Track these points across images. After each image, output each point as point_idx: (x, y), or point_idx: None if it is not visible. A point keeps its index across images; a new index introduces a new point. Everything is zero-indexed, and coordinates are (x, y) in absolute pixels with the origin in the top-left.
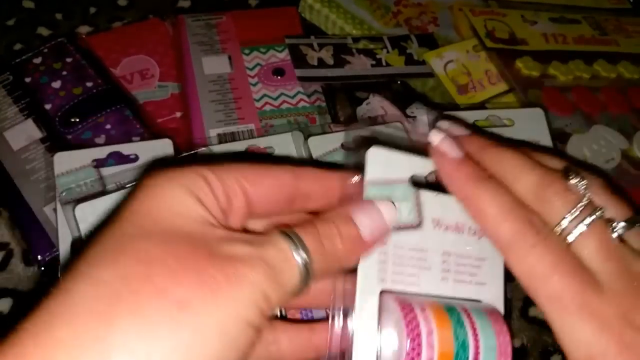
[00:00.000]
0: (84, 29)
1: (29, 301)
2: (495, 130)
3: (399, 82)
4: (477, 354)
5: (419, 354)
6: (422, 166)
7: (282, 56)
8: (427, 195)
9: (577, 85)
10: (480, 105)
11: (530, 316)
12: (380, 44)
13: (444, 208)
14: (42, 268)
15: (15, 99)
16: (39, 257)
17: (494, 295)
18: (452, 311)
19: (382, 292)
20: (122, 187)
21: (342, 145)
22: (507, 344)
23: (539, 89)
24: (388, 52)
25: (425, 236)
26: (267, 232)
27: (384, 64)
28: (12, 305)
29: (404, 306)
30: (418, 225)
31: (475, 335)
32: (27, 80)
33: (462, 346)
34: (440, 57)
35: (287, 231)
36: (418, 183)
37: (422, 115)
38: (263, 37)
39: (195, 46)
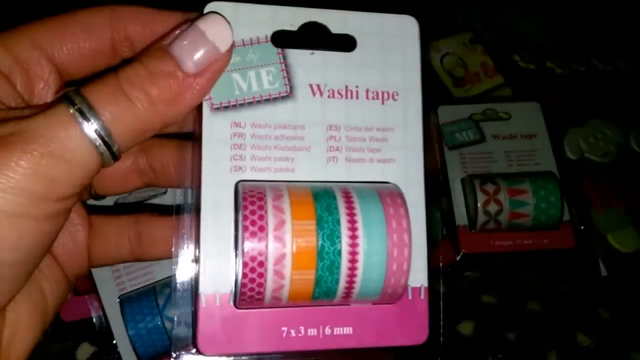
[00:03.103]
0: None
1: None
2: (491, 123)
3: None
4: (354, 245)
5: (262, 250)
6: (287, 18)
7: None
8: (298, 55)
9: (573, 78)
10: (477, 99)
11: (528, 309)
12: None
13: (327, 69)
14: None
15: None
16: None
17: (407, 173)
18: (321, 196)
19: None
20: None
21: None
22: (402, 232)
23: (535, 82)
24: None
25: (300, 108)
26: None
27: None
28: None
29: (251, 194)
30: (288, 94)
31: (353, 222)
32: None
33: (330, 238)
34: (436, 50)
35: (70, 93)
36: (285, 40)
37: None
38: None
39: None
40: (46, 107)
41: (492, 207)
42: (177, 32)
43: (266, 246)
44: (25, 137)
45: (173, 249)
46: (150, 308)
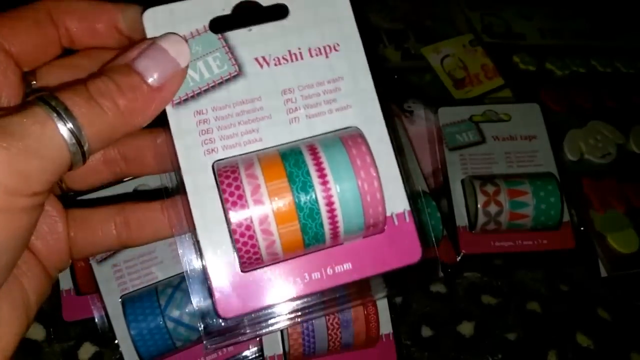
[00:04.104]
0: None
1: None
2: (492, 124)
3: (395, 76)
4: (327, 190)
5: (247, 215)
6: (219, 3)
7: None
8: (238, 35)
9: (573, 80)
10: (477, 100)
11: (528, 310)
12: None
13: (267, 40)
14: None
15: None
16: None
17: (366, 114)
18: (288, 155)
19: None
20: None
21: None
22: (368, 166)
23: (535, 84)
24: (385, 46)
25: (252, 81)
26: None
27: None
28: None
29: (225, 170)
30: (238, 73)
31: (321, 170)
32: None
33: (304, 189)
34: (437, 52)
35: (46, 96)
36: (222, 25)
37: (419, 110)
38: None
39: None
40: (21, 108)
41: (492, 208)
42: (141, 49)
43: (249, 210)
44: (2, 134)
45: (169, 231)
46: (152, 308)
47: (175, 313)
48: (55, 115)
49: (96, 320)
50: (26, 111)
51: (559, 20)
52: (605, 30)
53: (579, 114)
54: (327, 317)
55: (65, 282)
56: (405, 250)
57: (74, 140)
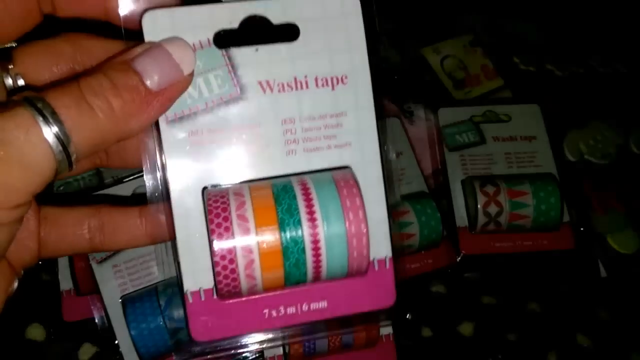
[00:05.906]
0: None
1: (25, 296)
2: (492, 125)
3: (395, 77)
4: (315, 235)
5: (230, 247)
6: (226, 15)
7: None
8: (243, 54)
9: (573, 80)
10: (477, 101)
11: (528, 310)
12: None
13: (273, 64)
14: (40, 262)
15: None
16: None
17: (364, 154)
18: (282, 198)
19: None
20: None
21: None
22: (359, 221)
23: (535, 84)
24: (385, 47)
25: (253, 107)
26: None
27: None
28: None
29: (215, 197)
30: (239, 95)
31: (313, 221)
32: None
33: (293, 240)
34: (437, 53)
35: (31, 96)
36: (227, 40)
37: (419, 111)
38: None
39: None
40: (3, 109)
41: (492, 209)
42: (143, 49)
43: (235, 254)
44: None
45: (145, 239)
46: (153, 308)
47: (176, 313)
48: (41, 119)
49: (96, 320)
50: (8, 113)
51: (559, 21)
52: (605, 31)
53: (579, 115)
54: None
55: (65, 283)
56: (381, 296)
57: (60, 147)
